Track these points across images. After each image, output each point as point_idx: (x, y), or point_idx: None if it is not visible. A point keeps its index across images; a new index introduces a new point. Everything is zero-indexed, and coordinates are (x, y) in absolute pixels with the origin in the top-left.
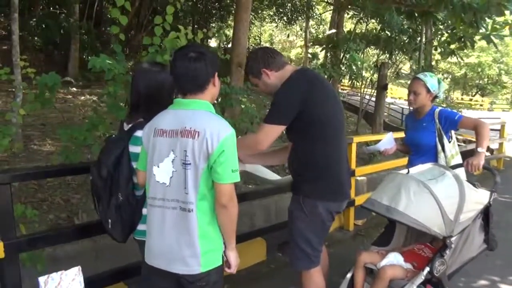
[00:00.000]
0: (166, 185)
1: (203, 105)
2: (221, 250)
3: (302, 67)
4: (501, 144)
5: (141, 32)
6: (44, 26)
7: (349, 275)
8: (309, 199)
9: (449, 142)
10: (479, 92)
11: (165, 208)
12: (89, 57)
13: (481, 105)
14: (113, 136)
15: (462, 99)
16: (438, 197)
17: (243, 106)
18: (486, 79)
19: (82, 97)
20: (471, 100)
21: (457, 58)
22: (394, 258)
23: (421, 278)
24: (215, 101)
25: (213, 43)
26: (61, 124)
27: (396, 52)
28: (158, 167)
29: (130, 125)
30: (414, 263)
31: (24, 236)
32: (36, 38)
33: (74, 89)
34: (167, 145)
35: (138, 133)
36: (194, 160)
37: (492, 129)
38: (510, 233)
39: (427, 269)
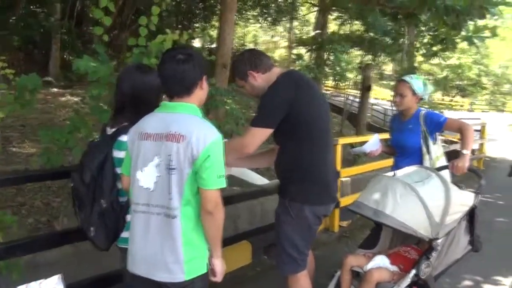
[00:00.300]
0: (150, 190)
1: (189, 108)
2: (206, 257)
3: (289, 69)
4: (481, 145)
5: (124, 31)
6: (24, 24)
7: (335, 278)
8: (295, 203)
9: (434, 144)
10: (460, 93)
11: (149, 214)
12: (71, 57)
13: (461, 105)
14: (96, 140)
15: (443, 99)
16: (424, 199)
17: (227, 108)
18: (466, 81)
19: (63, 98)
20: (451, 100)
21: (439, 60)
22: (381, 261)
23: (407, 280)
24: None
25: (197, 43)
26: (42, 126)
27: (380, 53)
28: (142, 171)
29: (114, 129)
30: (400, 265)
31: (2, 244)
32: (15, 37)
33: (55, 89)
34: (151, 149)
35: (123, 137)
36: (179, 165)
37: None
38: (493, 233)
39: (414, 271)
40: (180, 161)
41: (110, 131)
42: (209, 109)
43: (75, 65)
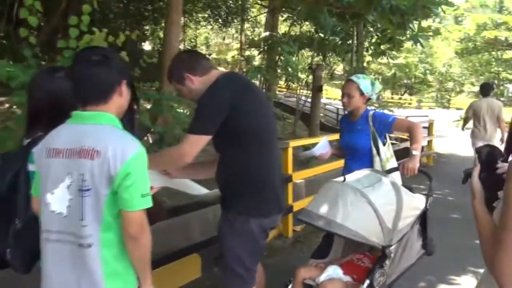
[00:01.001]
0: (63, 215)
1: (106, 118)
2: (134, 287)
3: (230, 71)
4: (430, 141)
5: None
6: None
7: None
8: (240, 216)
9: (384, 145)
10: (408, 91)
11: (62, 243)
12: (11, 62)
13: (409, 103)
14: (8, 152)
15: (392, 98)
16: (376, 205)
17: (174, 113)
18: (413, 79)
19: (1, 106)
20: (400, 99)
21: (387, 59)
22: (333, 272)
23: None
24: (144, 107)
25: (147, 46)
26: None
27: (330, 54)
28: (52, 194)
29: (28, 140)
30: (353, 275)
31: None
32: None
33: None
34: (62, 168)
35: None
36: (94, 185)
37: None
38: (445, 231)
39: (367, 282)
40: (95, 180)
41: (25, 142)
42: (156, 115)
43: None
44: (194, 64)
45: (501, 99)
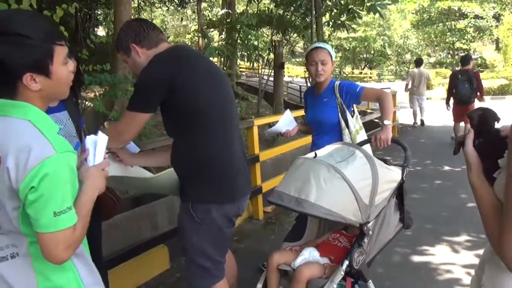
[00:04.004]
0: None
1: (21, 110)
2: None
3: (178, 44)
4: (394, 112)
5: None
6: None
7: (262, 278)
8: (200, 204)
9: (352, 116)
10: (367, 65)
11: None
12: None
13: (370, 77)
14: None
15: (352, 72)
16: (351, 181)
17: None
18: (372, 52)
19: None
20: (360, 73)
21: (347, 32)
22: (309, 255)
23: (340, 273)
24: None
25: (101, 31)
26: None
27: (290, 30)
28: None
29: None
30: (331, 256)
31: None
32: None
33: None
34: None
35: None
36: None
37: None
38: (412, 202)
39: (346, 262)
40: None
41: None
42: (112, 101)
43: None
44: (142, 35)
45: (456, 68)
